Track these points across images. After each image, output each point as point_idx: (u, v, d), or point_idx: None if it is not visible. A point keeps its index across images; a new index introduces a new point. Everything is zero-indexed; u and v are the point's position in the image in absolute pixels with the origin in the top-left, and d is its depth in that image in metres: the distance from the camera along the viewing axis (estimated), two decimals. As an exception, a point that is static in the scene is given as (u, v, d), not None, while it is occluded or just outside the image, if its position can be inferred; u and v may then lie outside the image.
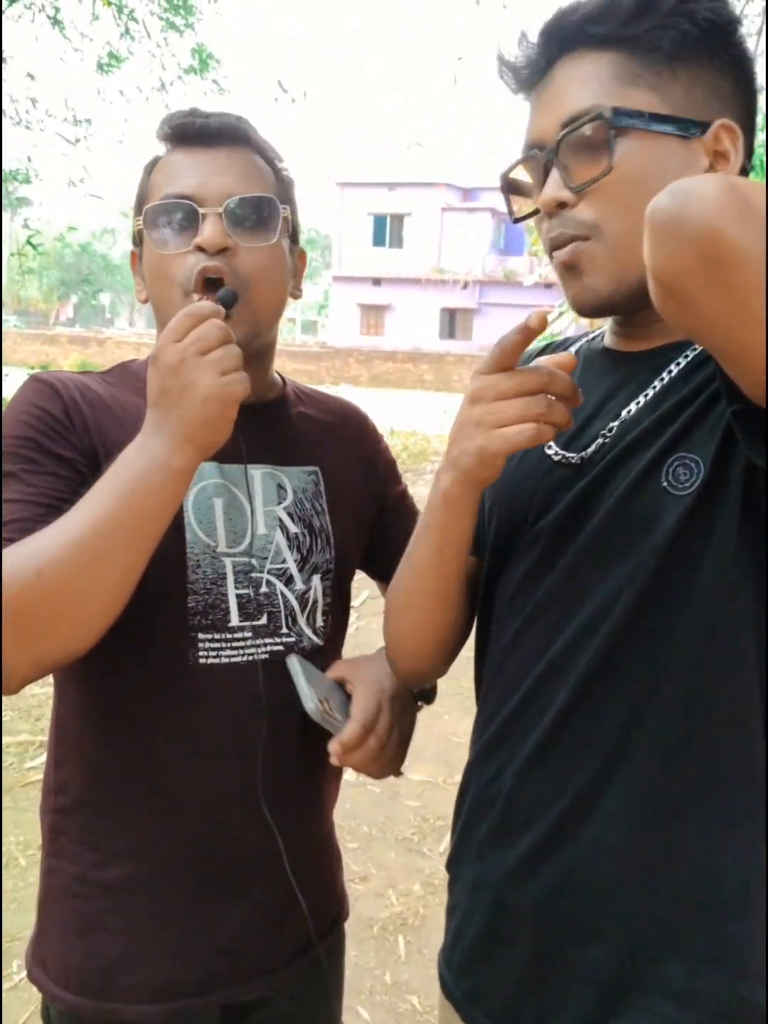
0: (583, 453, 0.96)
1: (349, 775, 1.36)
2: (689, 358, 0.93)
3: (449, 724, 4.17)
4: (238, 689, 1.11)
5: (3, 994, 2.39)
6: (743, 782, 0.88)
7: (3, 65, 7.68)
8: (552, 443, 0.99)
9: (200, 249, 1.07)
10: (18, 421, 1.06)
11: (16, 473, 1.03)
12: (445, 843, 3.23)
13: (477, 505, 0.94)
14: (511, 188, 1.00)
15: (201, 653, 1.10)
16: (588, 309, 0.94)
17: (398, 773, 1.22)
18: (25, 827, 3.17)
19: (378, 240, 37.90)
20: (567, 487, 0.95)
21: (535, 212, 0.96)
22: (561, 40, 0.92)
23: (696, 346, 0.93)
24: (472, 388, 0.85)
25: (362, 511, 1.29)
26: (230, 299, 1.01)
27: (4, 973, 2.46)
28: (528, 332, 0.81)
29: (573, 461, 0.96)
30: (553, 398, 0.83)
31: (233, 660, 1.11)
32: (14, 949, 2.53)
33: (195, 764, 1.11)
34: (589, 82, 0.90)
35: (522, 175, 0.98)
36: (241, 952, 1.14)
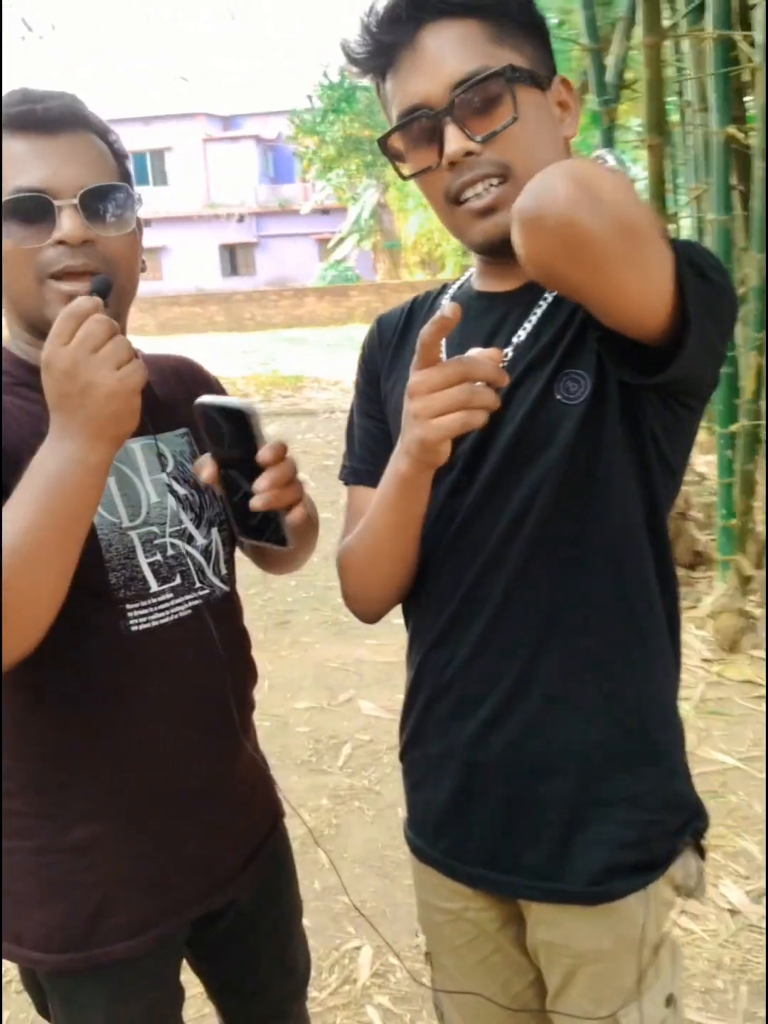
0: None
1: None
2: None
3: (321, 652, 4.37)
4: (168, 647, 1.20)
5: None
6: (652, 624, 1.11)
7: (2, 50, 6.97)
8: None
9: (60, 242, 1.08)
10: None
11: None
12: (342, 757, 3.46)
13: (429, 484, 1.04)
14: (391, 152, 1.08)
15: (132, 622, 1.17)
16: (498, 243, 1.03)
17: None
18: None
19: (141, 178, 36.22)
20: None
21: (426, 169, 1.05)
22: (423, 10, 1.00)
23: None
24: (409, 384, 0.94)
25: None
26: (104, 287, 1.02)
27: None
28: (444, 323, 0.87)
29: None
30: (477, 384, 0.91)
31: (162, 622, 1.19)
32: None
33: (139, 721, 1.20)
34: (466, 46, 0.99)
35: (398, 140, 1.07)
36: (205, 870, 1.27)
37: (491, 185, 1.02)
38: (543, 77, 1.03)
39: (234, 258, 35.77)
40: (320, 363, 16.27)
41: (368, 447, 1.18)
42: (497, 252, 1.06)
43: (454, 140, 1.00)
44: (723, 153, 3.60)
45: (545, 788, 1.10)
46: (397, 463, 1.01)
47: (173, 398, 1.29)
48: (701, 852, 1.17)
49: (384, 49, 1.03)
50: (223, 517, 1.29)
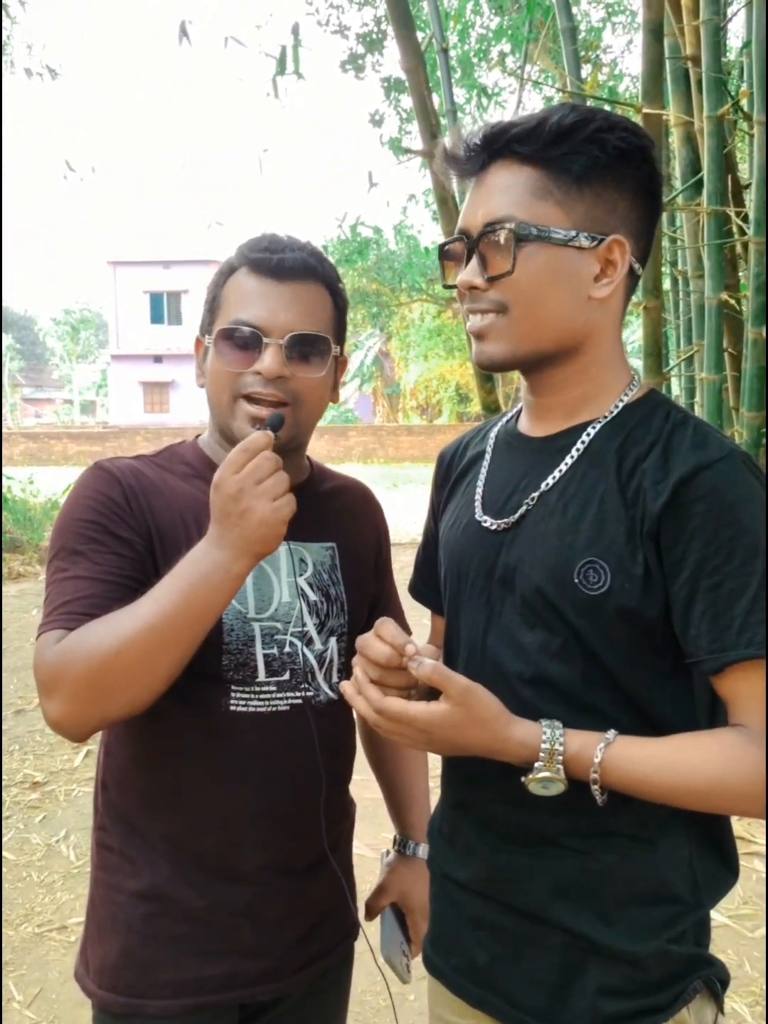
0: (510, 519, 1.13)
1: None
2: (590, 437, 1.11)
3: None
4: (261, 733, 1.27)
5: None
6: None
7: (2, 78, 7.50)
8: (485, 514, 1.17)
9: (258, 373, 1.24)
10: (84, 506, 1.21)
11: (84, 552, 1.18)
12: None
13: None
14: (445, 255, 1.16)
15: (233, 703, 1.26)
16: (484, 366, 1.14)
17: None
18: None
19: (156, 318, 37.69)
20: (494, 557, 1.14)
21: (454, 285, 1.14)
22: (495, 149, 1.07)
23: (589, 432, 1.10)
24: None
25: (369, 579, 1.46)
26: (278, 423, 1.18)
27: None
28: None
29: (502, 528, 1.14)
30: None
31: (259, 710, 1.27)
32: None
33: (221, 793, 1.26)
34: (508, 192, 1.06)
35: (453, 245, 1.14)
36: (258, 958, 1.28)
37: (487, 315, 1.09)
38: (588, 236, 1.06)
39: (238, 395, 36.61)
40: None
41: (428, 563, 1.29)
42: (485, 370, 1.15)
43: (467, 272, 1.10)
44: (716, 317, 3.81)
45: (547, 930, 1.09)
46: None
47: (332, 514, 1.42)
48: (719, 1005, 1.12)
49: (465, 173, 1.12)
50: (344, 631, 1.37)
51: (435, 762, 1.29)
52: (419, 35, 4.73)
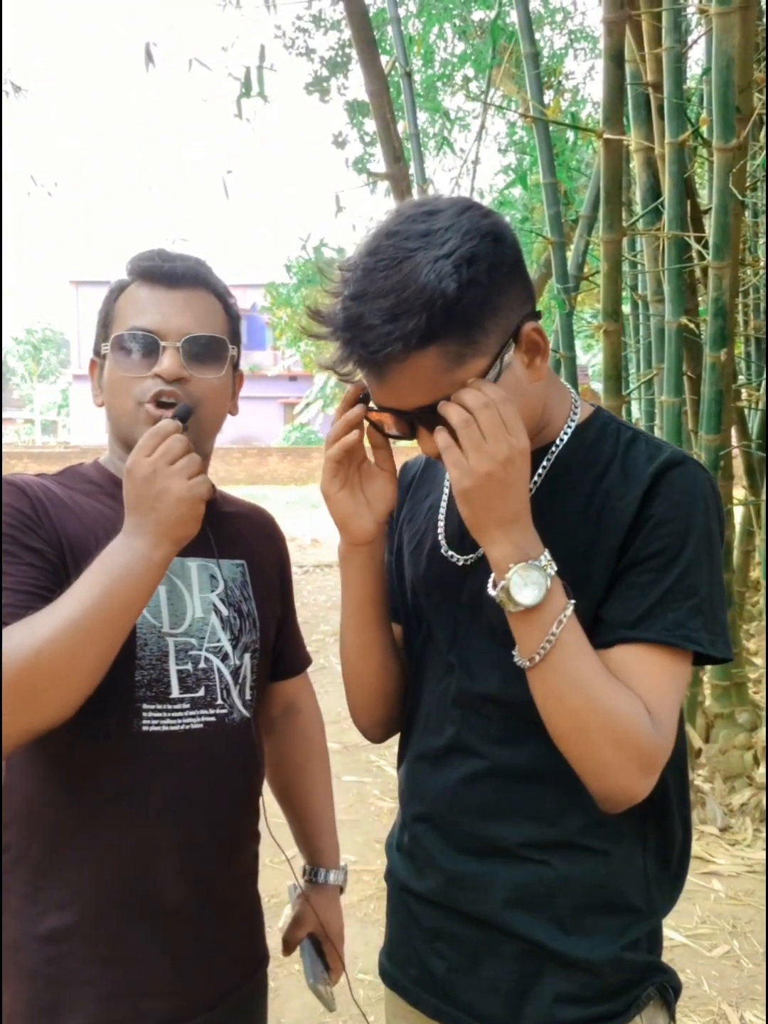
0: (470, 557, 1.15)
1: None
2: (548, 466, 1.12)
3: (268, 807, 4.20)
4: (173, 754, 1.23)
5: None
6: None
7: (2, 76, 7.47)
8: (447, 546, 1.18)
9: (158, 376, 1.22)
10: None
11: None
12: (283, 917, 3.28)
13: (366, 566, 1.14)
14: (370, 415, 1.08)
15: (144, 722, 1.21)
16: None
17: None
18: None
19: (120, 338, 37.39)
20: (459, 585, 1.16)
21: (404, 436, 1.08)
22: (377, 359, 0.95)
23: (545, 462, 1.11)
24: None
25: (275, 598, 1.46)
26: (185, 414, 1.19)
27: None
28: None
29: (468, 563, 1.15)
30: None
31: (172, 729, 1.23)
32: None
33: (133, 821, 1.21)
34: (419, 385, 0.97)
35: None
36: (172, 995, 1.23)
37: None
38: (506, 347, 1.00)
39: (201, 416, 36.48)
40: (279, 520, 16.42)
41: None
42: None
43: (427, 442, 1.03)
44: (676, 341, 3.85)
45: (504, 939, 1.11)
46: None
47: (238, 533, 1.41)
48: (671, 1013, 1.15)
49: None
50: (256, 647, 1.36)
51: (390, 781, 1.27)
52: (383, 59, 4.78)
